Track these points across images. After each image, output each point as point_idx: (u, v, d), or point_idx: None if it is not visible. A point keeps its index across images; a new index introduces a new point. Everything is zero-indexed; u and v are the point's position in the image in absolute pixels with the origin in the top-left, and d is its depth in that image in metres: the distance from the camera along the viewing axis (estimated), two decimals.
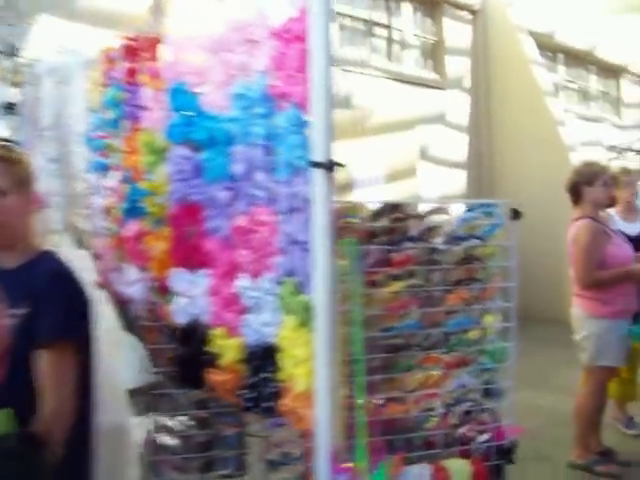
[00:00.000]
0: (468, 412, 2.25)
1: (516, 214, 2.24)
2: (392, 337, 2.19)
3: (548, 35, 10.92)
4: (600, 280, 3.88)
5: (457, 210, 2.33)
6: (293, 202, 1.88)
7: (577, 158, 8.98)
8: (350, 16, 7.92)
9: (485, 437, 2.22)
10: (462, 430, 2.22)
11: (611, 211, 4.94)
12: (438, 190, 8.63)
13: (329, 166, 1.76)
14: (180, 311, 2.22)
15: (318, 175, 1.77)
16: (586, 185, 3.95)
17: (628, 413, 4.81)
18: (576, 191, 3.98)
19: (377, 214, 2.22)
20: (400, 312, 2.17)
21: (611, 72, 13.45)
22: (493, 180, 9.44)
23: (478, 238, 2.19)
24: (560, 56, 11.79)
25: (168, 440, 2.42)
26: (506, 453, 2.26)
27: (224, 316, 2.11)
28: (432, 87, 8.76)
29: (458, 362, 2.23)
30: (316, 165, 1.76)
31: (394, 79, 8.21)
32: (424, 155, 8.46)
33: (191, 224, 2.17)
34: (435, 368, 2.21)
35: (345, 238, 2.00)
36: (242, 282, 2.03)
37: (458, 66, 9.17)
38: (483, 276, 2.24)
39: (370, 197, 7.00)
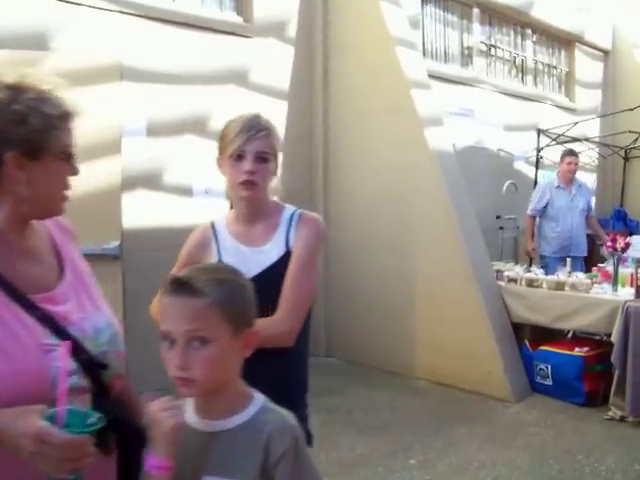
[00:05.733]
0: None
1: None
2: None
3: None
4: None
5: None
6: None
7: (437, 134, 6.33)
8: None
9: None
10: None
11: (218, 222, 2.38)
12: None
13: None
14: None
15: None
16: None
17: None
18: None
19: None
20: None
21: (562, 41, 10.63)
22: (327, 160, 6.81)
23: None
24: (475, 11, 9.04)
25: None
26: None
27: None
28: (228, 33, 6.19)
29: None
30: None
31: (154, 19, 5.68)
32: (197, 128, 5.87)
33: None
34: None
35: None
36: None
37: (276, 7, 6.56)
38: None
39: None
